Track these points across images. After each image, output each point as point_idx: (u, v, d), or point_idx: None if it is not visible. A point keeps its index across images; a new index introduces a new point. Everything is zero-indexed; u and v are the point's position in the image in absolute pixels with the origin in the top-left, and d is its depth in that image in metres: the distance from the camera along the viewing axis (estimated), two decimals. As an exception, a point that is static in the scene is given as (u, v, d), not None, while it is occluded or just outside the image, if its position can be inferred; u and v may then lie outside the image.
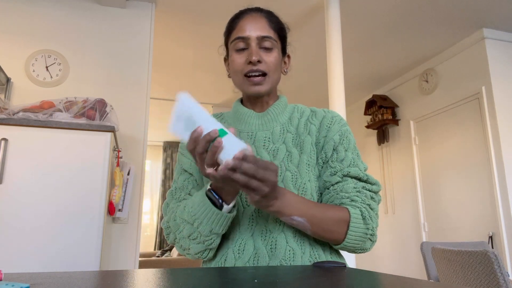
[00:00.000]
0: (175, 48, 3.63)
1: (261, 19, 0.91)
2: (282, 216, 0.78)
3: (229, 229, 0.86)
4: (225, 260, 0.84)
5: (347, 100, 3.04)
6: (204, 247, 0.83)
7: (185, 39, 3.47)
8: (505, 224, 3.07)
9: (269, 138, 0.91)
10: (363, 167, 0.89)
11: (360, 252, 0.88)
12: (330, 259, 0.87)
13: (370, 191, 0.86)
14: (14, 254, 1.64)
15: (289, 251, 0.82)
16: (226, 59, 0.99)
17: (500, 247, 3.08)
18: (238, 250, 0.83)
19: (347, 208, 0.82)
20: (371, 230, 0.83)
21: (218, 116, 1.02)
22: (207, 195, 0.79)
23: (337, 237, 0.82)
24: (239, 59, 0.89)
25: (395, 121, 4.37)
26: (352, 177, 0.86)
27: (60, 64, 2.59)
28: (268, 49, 0.89)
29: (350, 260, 2.41)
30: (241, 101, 0.99)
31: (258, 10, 0.94)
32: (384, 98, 4.45)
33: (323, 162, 0.90)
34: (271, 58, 0.89)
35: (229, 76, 0.97)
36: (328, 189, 0.87)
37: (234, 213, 0.81)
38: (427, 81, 3.95)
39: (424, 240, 3.85)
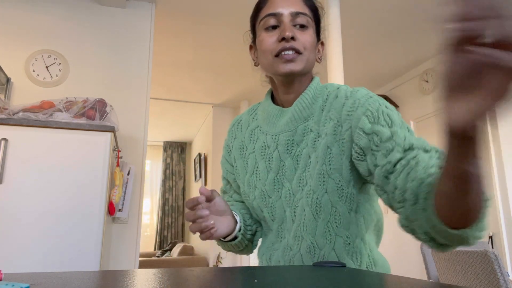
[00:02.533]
0: (175, 48, 3.63)
1: None
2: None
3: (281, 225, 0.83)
4: (270, 259, 0.86)
5: (347, 100, 3.03)
6: (239, 250, 0.89)
7: (185, 39, 3.47)
8: (505, 224, 3.07)
9: (292, 140, 0.80)
10: (422, 139, 0.66)
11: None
12: (372, 262, 0.79)
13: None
14: (14, 254, 1.64)
15: (315, 250, 0.76)
16: (252, 47, 0.88)
17: (500, 247, 3.08)
18: (269, 258, 0.85)
19: None
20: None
21: (253, 111, 0.93)
22: None
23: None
24: (269, 38, 0.77)
25: (395, 121, 4.37)
26: (419, 149, 0.63)
27: (60, 64, 2.59)
28: (303, 27, 0.78)
29: (350, 260, 2.41)
30: (272, 94, 0.89)
31: None
32: (384, 98, 4.45)
33: (360, 156, 0.71)
34: (306, 36, 0.77)
35: (255, 64, 0.86)
36: (392, 173, 0.64)
37: (238, 239, 0.84)
38: (427, 81, 3.95)
39: (424, 240, 3.85)
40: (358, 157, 0.71)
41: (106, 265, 2.21)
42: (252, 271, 0.62)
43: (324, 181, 0.74)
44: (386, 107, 0.73)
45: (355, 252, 0.77)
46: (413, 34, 3.41)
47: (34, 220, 1.70)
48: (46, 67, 2.56)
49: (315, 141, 0.77)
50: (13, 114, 1.79)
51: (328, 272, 0.60)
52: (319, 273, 0.59)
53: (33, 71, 2.53)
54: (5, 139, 1.73)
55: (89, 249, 1.73)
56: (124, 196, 2.32)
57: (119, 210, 2.28)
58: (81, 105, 1.92)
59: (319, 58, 0.85)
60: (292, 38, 0.75)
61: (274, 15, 0.77)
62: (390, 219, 5.01)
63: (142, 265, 5.03)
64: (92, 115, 1.90)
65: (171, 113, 5.76)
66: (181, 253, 5.56)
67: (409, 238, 3.75)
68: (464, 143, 0.41)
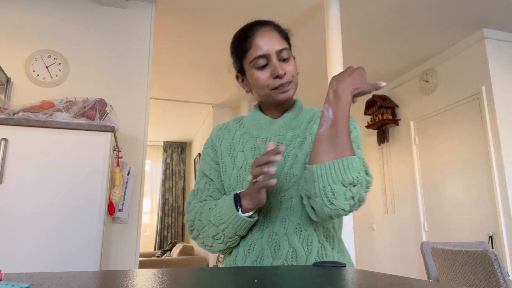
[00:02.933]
0: (175, 48, 3.63)
1: (272, 32, 0.94)
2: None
3: None
4: (236, 257, 0.93)
5: (347, 100, 3.03)
6: (226, 246, 0.93)
7: (185, 39, 3.47)
8: (505, 224, 3.07)
9: (281, 143, 0.95)
10: (365, 162, 0.91)
11: (356, 207, 0.84)
12: (336, 259, 0.90)
13: (368, 182, 0.87)
14: (14, 254, 1.64)
15: (292, 252, 0.87)
16: (238, 77, 1.02)
17: (500, 247, 3.08)
18: (248, 249, 0.91)
19: None
20: (367, 188, 0.85)
21: (238, 120, 1.07)
22: (234, 199, 0.88)
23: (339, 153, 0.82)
24: (263, 75, 0.92)
25: (395, 121, 4.37)
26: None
27: (60, 64, 2.59)
28: (286, 59, 0.93)
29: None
30: (259, 107, 1.04)
31: (265, 23, 0.96)
32: (384, 98, 4.45)
33: None
34: (291, 67, 0.94)
35: (247, 91, 1.02)
36: None
37: (256, 218, 0.90)
38: (427, 81, 3.95)
39: (424, 240, 3.85)
40: None
41: (106, 265, 2.21)
42: (252, 271, 0.61)
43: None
44: (356, 129, 0.97)
45: (330, 236, 0.93)
46: (413, 34, 3.41)
47: (34, 220, 1.70)
48: (46, 67, 2.56)
49: (301, 143, 0.94)
50: (13, 114, 1.79)
51: (328, 272, 0.60)
52: (319, 273, 0.59)
53: (33, 71, 2.53)
54: (5, 139, 1.73)
55: (89, 249, 1.73)
56: (124, 196, 2.32)
57: (119, 210, 2.28)
58: (81, 105, 1.92)
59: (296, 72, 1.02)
60: (284, 74, 0.92)
61: (263, 56, 0.92)
62: (390, 219, 5.01)
63: (142, 265, 5.03)
64: (92, 115, 1.90)
65: (171, 113, 5.76)
66: (181, 253, 5.57)
67: (409, 238, 3.75)
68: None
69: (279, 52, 0.92)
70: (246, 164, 0.96)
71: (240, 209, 0.87)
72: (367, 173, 0.87)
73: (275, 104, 0.98)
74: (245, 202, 0.87)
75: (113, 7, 2.78)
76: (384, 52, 3.76)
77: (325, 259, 0.87)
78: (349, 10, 3.02)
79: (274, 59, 0.91)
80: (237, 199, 0.88)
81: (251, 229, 0.92)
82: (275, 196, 0.91)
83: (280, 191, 0.91)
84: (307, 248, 0.87)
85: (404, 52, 3.76)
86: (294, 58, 1.00)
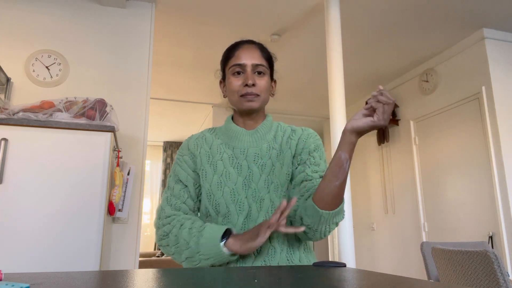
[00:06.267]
0: (175, 48, 3.63)
1: (255, 49, 1.07)
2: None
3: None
4: None
5: (347, 100, 3.04)
6: (196, 266, 0.96)
7: (185, 39, 3.47)
8: (505, 224, 3.07)
9: (258, 154, 1.06)
10: None
11: (324, 236, 1.00)
12: (303, 256, 1.03)
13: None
14: (14, 254, 1.64)
15: (271, 249, 0.98)
16: (221, 82, 1.16)
17: (500, 247, 3.07)
18: None
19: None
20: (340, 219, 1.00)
21: (213, 131, 1.14)
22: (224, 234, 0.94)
23: (340, 201, 0.96)
24: (236, 82, 1.05)
25: (395, 121, 4.37)
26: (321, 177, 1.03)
27: (60, 64, 2.59)
28: (260, 74, 1.05)
29: (350, 260, 2.41)
30: (232, 118, 1.14)
31: (251, 42, 1.10)
32: (384, 98, 4.45)
33: (298, 164, 1.06)
34: (263, 82, 1.05)
35: (224, 96, 1.14)
36: (311, 180, 1.01)
37: (237, 256, 0.95)
38: (427, 81, 3.95)
39: (424, 240, 3.85)
40: (296, 163, 1.07)
41: (106, 265, 2.21)
42: (252, 271, 0.62)
43: (288, 179, 1.04)
44: (323, 146, 1.11)
45: (282, 239, 1.02)
46: (413, 34, 3.41)
47: (34, 220, 1.70)
48: (46, 67, 2.56)
49: (278, 155, 1.06)
50: (13, 114, 1.79)
51: (328, 272, 0.60)
52: (319, 273, 0.59)
53: (33, 71, 2.53)
54: (5, 139, 1.73)
55: (89, 249, 1.73)
56: (124, 196, 2.32)
57: (119, 210, 2.28)
58: (81, 105, 1.92)
59: (272, 93, 1.14)
60: (253, 85, 1.02)
61: (240, 65, 1.05)
62: (390, 219, 5.01)
63: (142, 265, 5.03)
64: (92, 115, 1.90)
65: (171, 113, 5.76)
66: (181, 253, 5.55)
67: (409, 238, 3.75)
68: (355, 140, 0.89)
69: (255, 65, 1.04)
70: (226, 172, 1.04)
71: (224, 243, 0.92)
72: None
73: (245, 114, 1.08)
74: (233, 243, 0.91)
75: (113, 7, 2.78)
76: (384, 52, 3.76)
77: (293, 255, 1.01)
78: (349, 10, 3.02)
79: (249, 70, 1.04)
80: (225, 233, 0.94)
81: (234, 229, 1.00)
82: (255, 200, 1.01)
83: (260, 197, 1.01)
84: (280, 247, 1.00)
85: (404, 52, 3.76)
86: (274, 80, 1.13)
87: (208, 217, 1.05)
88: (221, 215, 1.02)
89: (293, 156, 1.07)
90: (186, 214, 1.04)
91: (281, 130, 1.12)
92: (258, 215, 1.00)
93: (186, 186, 1.06)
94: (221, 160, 1.06)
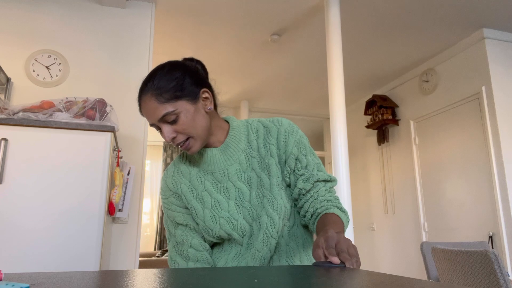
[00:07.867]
0: (175, 48, 3.63)
1: (150, 101, 0.92)
2: None
3: (230, 245, 1.01)
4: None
5: (347, 100, 3.04)
6: None
7: (185, 39, 3.47)
8: (505, 224, 3.07)
9: (239, 168, 0.98)
10: (322, 167, 1.02)
11: None
12: (304, 256, 1.02)
13: (332, 187, 1.00)
14: (14, 254, 1.64)
15: (276, 256, 0.98)
16: None
17: (500, 247, 3.07)
18: (258, 260, 0.97)
19: (333, 213, 0.92)
20: (346, 213, 0.96)
21: (184, 158, 1.05)
22: None
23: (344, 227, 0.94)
24: (163, 135, 0.93)
25: (395, 121, 4.37)
26: (321, 181, 0.98)
27: (60, 64, 2.59)
28: (173, 121, 0.90)
29: (350, 260, 2.41)
30: None
31: (145, 89, 0.96)
32: (384, 98, 4.45)
33: (289, 173, 0.98)
34: (181, 126, 0.91)
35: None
36: (304, 195, 0.97)
37: None
38: (427, 81, 3.95)
39: (424, 240, 3.85)
40: (287, 174, 0.99)
41: (106, 265, 2.21)
42: (252, 271, 0.62)
43: (280, 188, 0.97)
44: (302, 136, 1.02)
45: (302, 238, 1.03)
46: (413, 34, 3.41)
47: (34, 220, 1.70)
48: (46, 67, 2.56)
49: (259, 164, 0.99)
50: (13, 114, 1.79)
51: (328, 272, 0.60)
52: (319, 273, 0.59)
53: (33, 71, 2.53)
54: (5, 139, 1.73)
55: (89, 249, 1.73)
56: (124, 196, 2.32)
57: (119, 210, 2.28)
58: (81, 105, 1.92)
59: (207, 109, 0.97)
60: (173, 138, 0.91)
61: (153, 125, 0.93)
62: (390, 219, 5.00)
63: (142, 265, 5.02)
64: (92, 115, 1.90)
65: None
66: (181, 253, 5.55)
67: (409, 238, 3.75)
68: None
69: (161, 119, 0.90)
70: (214, 201, 0.98)
71: None
72: (343, 210, 0.96)
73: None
74: None
75: (113, 7, 2.78)
76: (384, 52, 3.76)
77: (293, 257, 1.00)
78: (349, 10, 3.02)
79: (160, 125, 0.91)
80: None
81: (240, 248, 0.98)
82: (253, 218, 0.97)
83: (256, 215, 0.97)
84: (278, 254, 0.99)
85: (404, 52, 3.76)
86: (205, 91, 0.99)
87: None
88: (226, 241, 1.00)
89: (279, 162, 0.99)
90: (197, 260, 1.00)
91: (253, 131, 1.02)
92: (258, 233, 0.95)
93: (186, 225, 1.02)
94: (205, 190, 0.99)
